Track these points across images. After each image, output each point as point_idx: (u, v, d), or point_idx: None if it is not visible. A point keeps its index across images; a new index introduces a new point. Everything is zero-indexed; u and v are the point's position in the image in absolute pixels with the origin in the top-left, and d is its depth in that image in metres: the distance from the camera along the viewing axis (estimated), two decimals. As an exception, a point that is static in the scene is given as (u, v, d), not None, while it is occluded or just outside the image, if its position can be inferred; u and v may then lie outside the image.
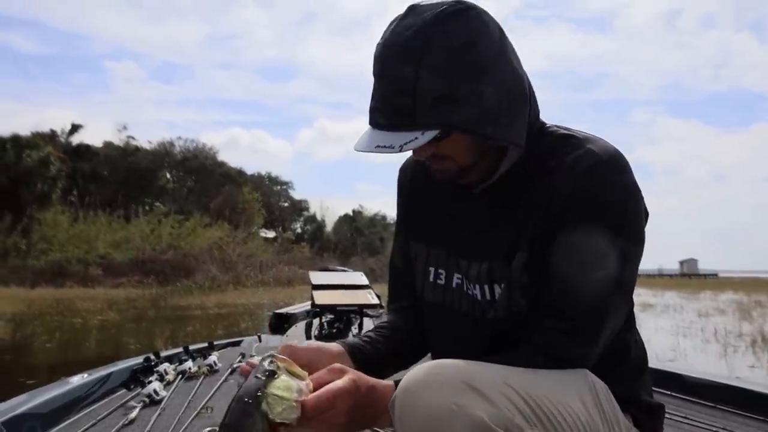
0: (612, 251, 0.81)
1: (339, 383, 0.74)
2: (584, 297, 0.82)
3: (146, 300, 18.38)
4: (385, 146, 0.79)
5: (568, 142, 0.87)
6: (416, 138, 0.78)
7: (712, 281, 49.53)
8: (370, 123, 0.83)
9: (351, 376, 0.76)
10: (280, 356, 0.75)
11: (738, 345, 7.56)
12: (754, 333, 8.58)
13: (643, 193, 0.87)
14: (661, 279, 62.60)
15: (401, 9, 0.82)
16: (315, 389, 0.74)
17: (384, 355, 0.98)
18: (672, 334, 8.47)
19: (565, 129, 0.91)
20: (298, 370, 0.76)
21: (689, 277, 69.32)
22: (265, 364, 0.73)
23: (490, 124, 0.80)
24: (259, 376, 0.71)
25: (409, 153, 1.03)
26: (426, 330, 1.04)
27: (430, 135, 0.78)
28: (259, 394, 0.70)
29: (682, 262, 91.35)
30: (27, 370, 6.11)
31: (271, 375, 0.72)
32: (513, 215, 0.88)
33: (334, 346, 0.92)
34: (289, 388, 0.72)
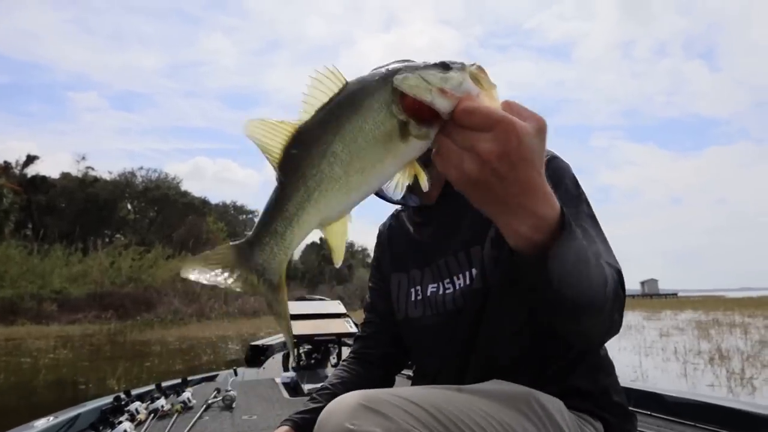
0: (580, 193, 0.95)
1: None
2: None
3: (103, 336, 17.64)
4: None
5: None
6: None
7: (672, 300, 50.98)
8: None
9: None
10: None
11: (697, 363, 7.71)
12: (712, 351, 8.78)
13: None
14: (624, 300, 63.85)
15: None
16: None
17: None
18: (634, 354, 8.58)
19: None
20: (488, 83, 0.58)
21: (650, 297, 71.27)
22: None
23: None
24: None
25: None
26: (411, 349, 1.20)
27: None
28: (400, 66, 0.56)
29: (643, 283, 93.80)
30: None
31: (441, 66, 0.56)
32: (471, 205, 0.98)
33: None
34: (447, 80, 0.55)
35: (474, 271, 1.01)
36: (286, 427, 1.10)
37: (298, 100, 0.58)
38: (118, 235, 38.57)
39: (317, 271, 48.20)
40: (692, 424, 1.91)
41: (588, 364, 1.00)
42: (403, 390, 0.81)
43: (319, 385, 1.78)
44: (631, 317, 20.52)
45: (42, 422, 1.94)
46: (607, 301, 0.73)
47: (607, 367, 1.04)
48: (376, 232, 1.35)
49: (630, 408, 1.05)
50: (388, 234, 1.28)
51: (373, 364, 1.25)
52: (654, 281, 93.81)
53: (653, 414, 2.04)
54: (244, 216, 52.18)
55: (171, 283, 29.73)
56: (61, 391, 6.95)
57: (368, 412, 0.74)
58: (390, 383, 1.27)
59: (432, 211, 1.12)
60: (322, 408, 1.05)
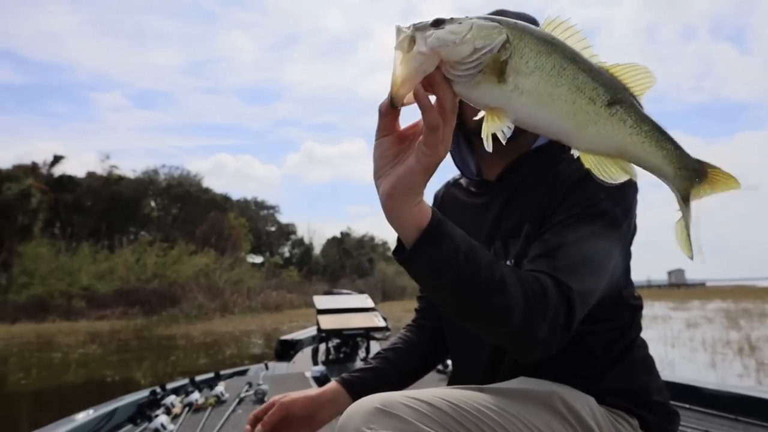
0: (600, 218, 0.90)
1: None
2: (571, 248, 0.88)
3: (130, 331, 18.01)
4: None
5: None
6: None
7: (699, 290, 49.92)
8: None
9: None
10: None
11: (726, 353, 7.54)
12: (741, 341, 8.59)
13: None
14: (649, 289, 63.01)
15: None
16: None
17: (389, 380, 1.14)
18: (661, 345, 8.43)
19: None
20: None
21: (677, 287, 69.97)
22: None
23: None
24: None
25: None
26: (449, 344, 1.18)
27: None
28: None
29: (669, 273, 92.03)
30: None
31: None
32: (524, 195, 1.00)
33: (329, 388, 1.10)
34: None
35: (509, 262, 0.97)
36: (334, 383, 1.13)
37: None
38: (142, 232, 39.26)
39: (338, 265, 48.48)
40: (733, 417, 1.85)
41: (626, 362, 1.00)
42: (421, 392, 0.82)
43: None
44: (657, 308, 20.17)
45: (82, 416, 2.01)
46: (507, 313, 0.75)
47: (646, 364, 1.04)
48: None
49: (672, 403, 1.03)
50: (441, 203, 1.25)
51: (426, 335, 1.26)
52: (681, 271, 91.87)
53: (692, 407, 1.99)
54: (266, 211, 52.68)
55: (194, 279, 30.21)
56: (91, 385, 7.13)
57: (384, 416, 0.76)
58: (443, 353, 1.26)
59: (489, 189, 1.08)
60: (370, 369, 1.15)
